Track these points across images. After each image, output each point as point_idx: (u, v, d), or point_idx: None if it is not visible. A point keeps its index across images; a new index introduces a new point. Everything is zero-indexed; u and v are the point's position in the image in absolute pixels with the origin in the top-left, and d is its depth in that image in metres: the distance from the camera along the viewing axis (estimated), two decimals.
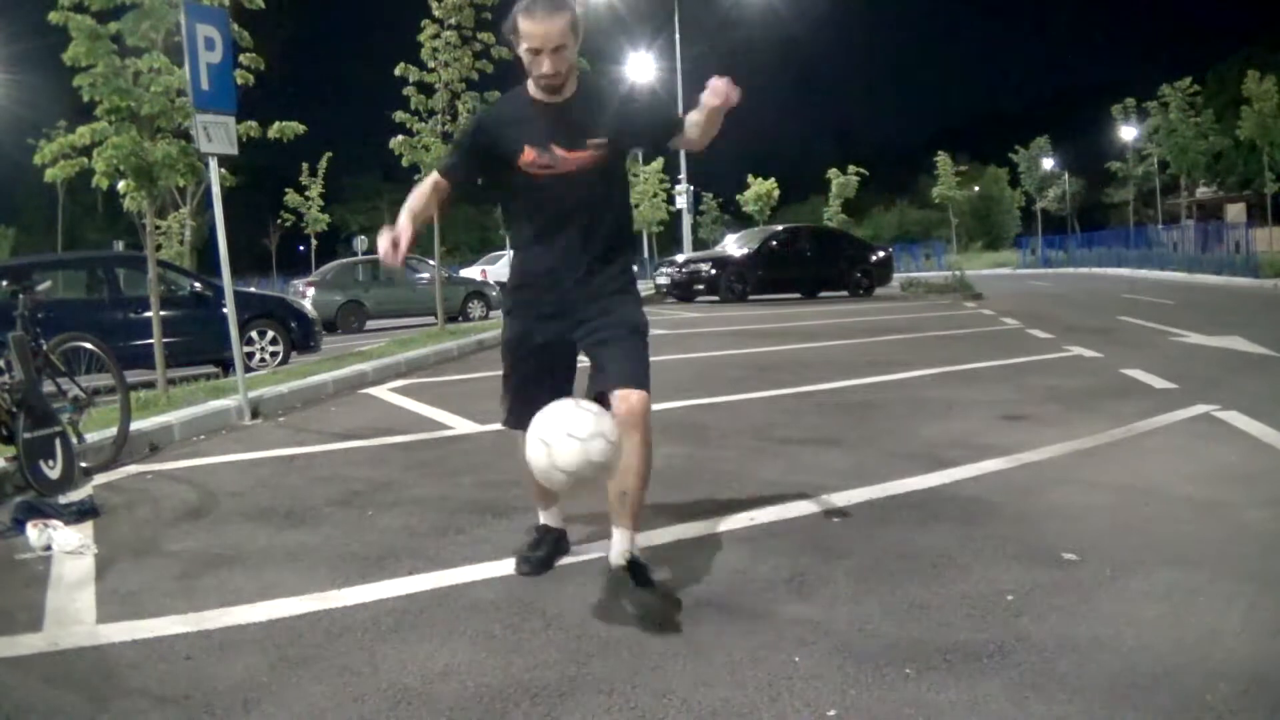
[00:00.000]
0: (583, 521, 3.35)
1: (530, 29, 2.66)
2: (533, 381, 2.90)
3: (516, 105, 2.85)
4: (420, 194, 2.89)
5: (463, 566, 3.10)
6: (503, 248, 25.52)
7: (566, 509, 3.18)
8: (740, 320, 14.13)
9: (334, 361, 9.04)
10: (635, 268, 3.06)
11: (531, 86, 2.80)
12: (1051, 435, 4.80)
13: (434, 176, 2.93)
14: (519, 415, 2.83)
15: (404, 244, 2.72)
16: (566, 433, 2.49)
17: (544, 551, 3.06)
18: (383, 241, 2.73)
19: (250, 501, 4.13)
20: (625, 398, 2.69)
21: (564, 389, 2.89)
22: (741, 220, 34.58)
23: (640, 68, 31.00)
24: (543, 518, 3.12)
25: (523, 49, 2.71)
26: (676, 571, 2.99)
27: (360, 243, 31.83)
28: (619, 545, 2.74)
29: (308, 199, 23.83)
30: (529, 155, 2.76)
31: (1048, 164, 47.19)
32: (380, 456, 5.01)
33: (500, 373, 3.03)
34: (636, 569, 2.69)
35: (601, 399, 2.72)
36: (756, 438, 5.11)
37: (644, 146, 3.16)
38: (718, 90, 2.65)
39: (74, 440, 4.71)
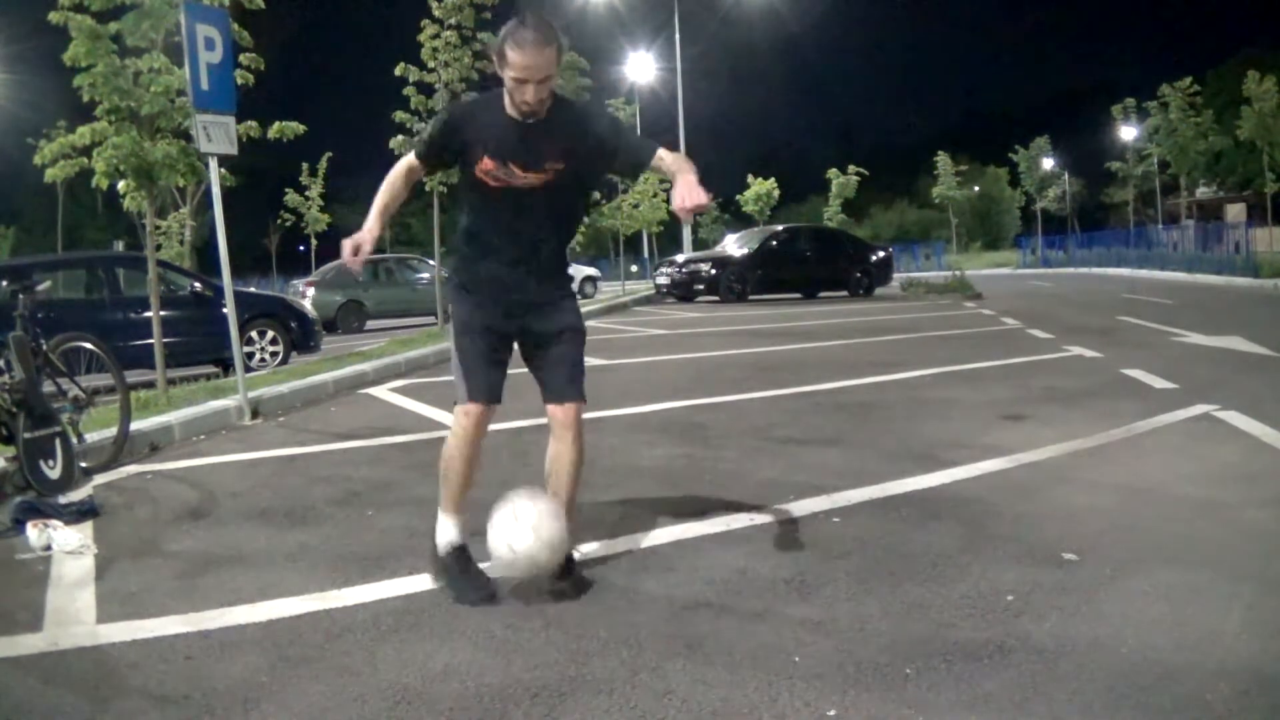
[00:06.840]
0: (583, 524, 3.35)
1: (519, 60, 2.66)
2: (482, 357, 2.89)
3: (490, 113, 2.85)
4: (394, 186, 2.98)
5: None
6: None
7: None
8: (740, 320, 14.13)
9: (334, 361, 9.04)
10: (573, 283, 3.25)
11: (508, 102, 2.81)
12: (1051, 435, 4.80)
13: (409, 161, 2.98)
14: (478, 386, 2.87)
15: (368, 247, 2.85)
16: (509, 546, 2.74)
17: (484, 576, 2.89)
18: (347, 246, 2.84)
19: (250, 501, 4.13)
20: (561, 409, 2.92)
21: (504, 367, 2.95)
22: (741, 220, 34.54)
23: (640, 68, 31.01)
24: (457, 532, 2.93)
25: (507, 75, 2.72)
26: (677, 571, 2.99)
27: None
28: None
29: (308, 199, 23.78)
30: (486, 165, 2.82)
31: (1048, 164, 47.10)
32: (380, 456, 5.01)
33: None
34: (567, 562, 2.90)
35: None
36: (756, 438, 5.11)
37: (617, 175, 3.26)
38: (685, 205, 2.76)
39: (74, 440, 4.71)
